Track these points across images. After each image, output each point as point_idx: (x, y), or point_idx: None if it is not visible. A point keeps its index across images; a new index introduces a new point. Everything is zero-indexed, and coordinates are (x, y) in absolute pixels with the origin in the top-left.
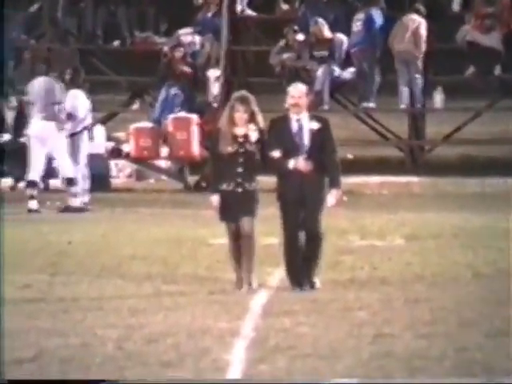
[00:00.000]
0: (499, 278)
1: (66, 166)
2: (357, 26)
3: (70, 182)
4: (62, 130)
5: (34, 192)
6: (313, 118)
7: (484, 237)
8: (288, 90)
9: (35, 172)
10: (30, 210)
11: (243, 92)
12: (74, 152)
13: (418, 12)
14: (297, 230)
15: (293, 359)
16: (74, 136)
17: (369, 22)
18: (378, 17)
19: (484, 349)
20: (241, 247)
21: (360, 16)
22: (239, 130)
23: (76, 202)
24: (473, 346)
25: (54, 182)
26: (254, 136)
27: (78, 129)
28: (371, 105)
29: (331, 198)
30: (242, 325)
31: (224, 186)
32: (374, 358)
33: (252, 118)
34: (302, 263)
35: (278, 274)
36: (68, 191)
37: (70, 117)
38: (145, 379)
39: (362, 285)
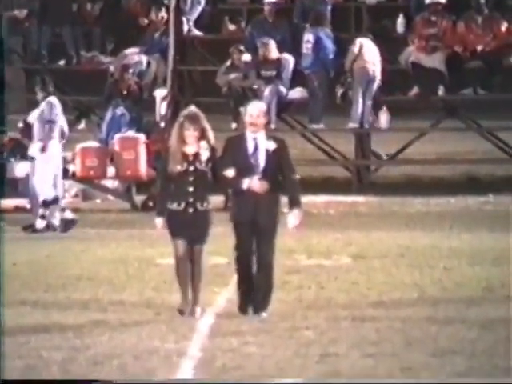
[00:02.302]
0: (445, 297)
1: (57, 186)
2: (307, 48)
3: (56, 201)
4: (44, 151)
5: (46, 212)
6: (269, 138)
7: (430, 256)
8: (246, 109)
9: (48, 191)
10: (33, 229)
11: (192, 109)
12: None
13: (367, 35)
14: (250, 253)
15: (240, 380)
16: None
17: (318, 43)
18: (326, 38)
19: (430, 368)
20: (189, 271)
21: (309, 37)
22: (189, 149)
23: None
24: (419, 365)
25: (5, 202)
26: (205, 154)
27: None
28: (321, 126)
29: (293, 218)
30: (189, 345)
31: (174, 206)
32: (320, 377)
33: (203, 135)
34: (253, 291)
35: (225, 294)
36: (52, 210)
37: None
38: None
39: (309, 304)
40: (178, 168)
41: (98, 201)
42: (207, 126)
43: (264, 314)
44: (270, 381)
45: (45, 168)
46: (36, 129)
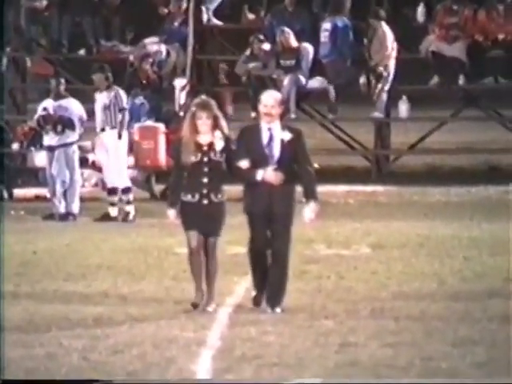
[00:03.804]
0: (464, 287)
1: (123, 175)
2: (324, 36)
3: (126, 190)
4: (121, 138)
5: (115, 199)
6: (285, 128)
7: (449, 246)
8: (260, 98)
9: (113, 179)
10: (109, 217)
11: (203, 97)
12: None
13: (379, 17)
14: (265, 246)
15: (259, 368)
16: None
17: (335, 32)
18: (343, 27)
19: (450, 358)
20: (203, 264)
21: (326, 26)
22: (203, 138)
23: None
24: (439, 355)
25: (18, 192)
26: (219, 144)
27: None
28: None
29: (309, 211)
30: (208, 334)
31: (188, 198)
32: (339, 366)
33: (216, 124)
34: (268, 285)
35: (244, 283)
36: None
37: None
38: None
39: (328, 294)
40: (192, 159)
41: None
42: (219, 114)
43: (278, 310)
44: (287, 381)
45: (118, 155)
46: (101, 116)
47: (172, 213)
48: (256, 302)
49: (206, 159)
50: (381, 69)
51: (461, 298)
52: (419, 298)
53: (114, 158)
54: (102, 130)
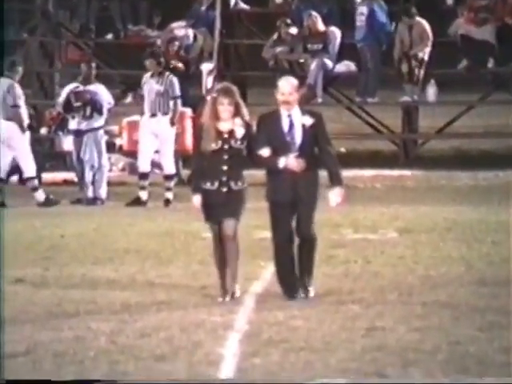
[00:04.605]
0: (492, 272)
1: (170, 162)
2: (360, 20)
3: (170, 177)
4: (173, 125)
5: (146, 183)
6: (305, 112)
7: (477, 230)
8: (278, 85)
9: (146, 164)
10: (140, 201)
11: (225, 83)
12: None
13: (412, 15)
14: (290, 235)
15: (286, 352)
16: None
17: (371, 16)
18: (380, 11)
19: (477, 342)
20: (224, 251)
21: (362, 10)
22: (224, 125)
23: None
24: (466, 339)
25: (46, 176)
26: (239, 132)
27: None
28: (375, 99)
29: (335, 196)
30: (235, 318)
31: (208, 185)
32: (367, 351)
33: (237, 111)
34: (296, 271)
35: (271, 268)
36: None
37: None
38: (142, 379)
39: (356, 278)
40: (213, 146)
41: None
42: (241, 101)
43: (312, 293)
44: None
45: (170, 142)
46: (153, 102)
47: (197, 198)
48: (290, 294)
49: (226, 146)
50: (421, 55)
51: (488, 282)
52: (447, 283)
53: (165, 144)
54: (153, 115)
